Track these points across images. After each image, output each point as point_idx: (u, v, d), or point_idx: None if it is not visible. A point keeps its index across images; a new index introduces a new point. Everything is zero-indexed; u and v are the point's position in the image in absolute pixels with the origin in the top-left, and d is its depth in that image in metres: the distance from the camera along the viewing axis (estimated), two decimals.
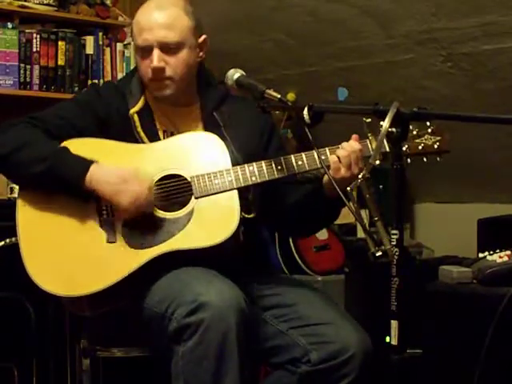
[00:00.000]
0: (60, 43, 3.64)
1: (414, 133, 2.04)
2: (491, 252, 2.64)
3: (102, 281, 2.03)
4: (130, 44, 3.90)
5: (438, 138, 2.03)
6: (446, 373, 2.57)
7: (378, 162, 2.04)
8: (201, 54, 2.25)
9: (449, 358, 2.56)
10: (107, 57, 3.82)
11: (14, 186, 3.38)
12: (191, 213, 2.08)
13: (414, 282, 2.08)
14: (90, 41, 3.75)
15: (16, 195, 3.29)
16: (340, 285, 3.77)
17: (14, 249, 2.13)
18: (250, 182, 2.10)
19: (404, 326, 1.54)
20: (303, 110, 1.84)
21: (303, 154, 2.10)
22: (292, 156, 2.11)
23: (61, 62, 3.65)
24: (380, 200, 1.69)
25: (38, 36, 3.58)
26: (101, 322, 2.29)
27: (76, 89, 3.68)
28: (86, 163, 2.06)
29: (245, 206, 2.14)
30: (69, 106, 2.24)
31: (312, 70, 4.09)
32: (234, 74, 2.12)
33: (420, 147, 2.03)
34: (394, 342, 1.55)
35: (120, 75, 3.81)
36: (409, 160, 2.02)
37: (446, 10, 3.31)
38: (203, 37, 2.25)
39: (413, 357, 1.56)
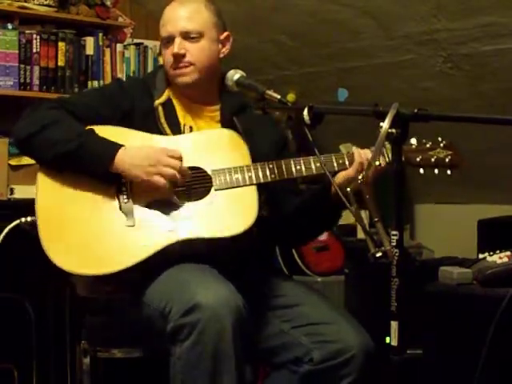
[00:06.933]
0: (60, 44, 3.65)
1: (428, 146, 2.09)
2: (491, 253, 2.64)
3: (118, 263, 2.04)
4: (130, 45, 3.91)
5: (450, 153, 2.07)
6: (446, 373, 2.57)
7: (377, 163, 2.05)
8: (223, 49, 2.30)
9: (449, 358, 2.55)
10: (107, 57, 3.82)
11: (14, 186, 3.39)
12: (211, 204, 2.12)
13: (414, 283, 2.08)
14: (89, 41, 3.75)
15: (16, 196, 3.29)
16: (340, 285, 3.77)
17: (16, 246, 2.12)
18: (269, 179, 2.14)
19: (404, 327, 1.54)
20: (303, 110, 1.84)
21: (322, 157, 2.13)
22: (311, 158, 2.15)
23: (61, 63, 3.65)
24: (380, 201, 1.69)
25: (38, 37, 3.58)
26: (101, 322, 2.29)
27: (76, 89, 3.68)
28: (115, 146, 2.09)
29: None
30: (94, 95, 2.29)
31: (312, 70, 4.09)
32: (234, 74, 2.14)
33: (433, 159, 2.08)
34: (394, 342, 1.55)
35: (120, 76, 3.81)
36: (422, 170, 2.06)
37: (446, 11, 3.31)
38: (226, 33, 2.31)
39: (413, 357, 1.56)
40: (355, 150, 2.15)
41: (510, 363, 2.38)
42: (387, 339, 1.56)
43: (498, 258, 2.58)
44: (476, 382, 2.32)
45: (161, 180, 2.07)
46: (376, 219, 1.63)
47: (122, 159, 2.07)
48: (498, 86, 3.56)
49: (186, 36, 2.22)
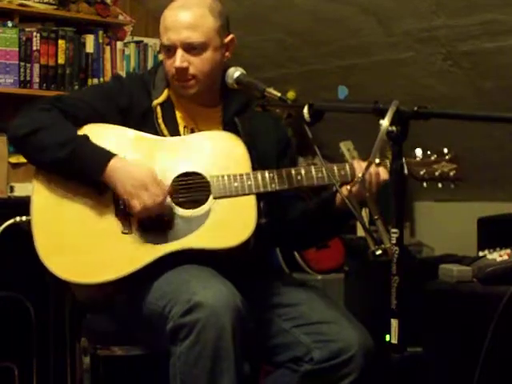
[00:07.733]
0: (60, 42, 3.65)
1: (432, 158, 2.07)
2: (491, 250, 2.64)
3: (114, 271, 2.02)
4: (129, 43, 3.91)
5: (455, 166, 2.06)
6: (445, 372, 2.57)
7: (377, 161, 2.05)
8: (226, 53, 2.22)
9: (449, 357, 2.56)
10: (107, 55, 3.82)
11: (14, 184, 3.39)
12: (208, 212, 2.08)
13: (414, 281, 2.08)
14: (89, 39, 3.75)
15: (16, 193, 3.29)
16: (340, 283, 3.77)
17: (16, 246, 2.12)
18: (269, 189, 2.10)
19: (404, 325, 1.54)
20: (303, 108, 1.84)
21: (323, 168, 2.10)
22: (312, 167, 2.12)
23: (61, 61, 3.65)
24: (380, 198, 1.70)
25: (38, 34, 3.59)
26: (101, 320, 2.29)
27: (76, 87, 3.68)
28: (107, 155, 2.05)
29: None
30: (91, 91, 2.27)
31: (312, 68, 4.09)
32: (235, 72, 2.13)
33: (437, 173, 2.06)
34: (394, 340, 1.55)
35: (120, 74, 3.80)
36: (425, 184, 2.05)
37: (446, 8, 3.30)
38: (230, 36, 2.22)
39: (413, 355, 1.56)
40: (356, 162, 2.12)
41: (510, 363, 2.38)
42: (387, 337, 1.56)
43: (498, 255, 2.58)
44: (476, 380, 2.33)
45: (137, 206, 2.02)
46: (376, 217, 1.63)
47: (109, 172, 2.03)
48: (498, 84, 3.56)
49: (189, 48, 2.13)
